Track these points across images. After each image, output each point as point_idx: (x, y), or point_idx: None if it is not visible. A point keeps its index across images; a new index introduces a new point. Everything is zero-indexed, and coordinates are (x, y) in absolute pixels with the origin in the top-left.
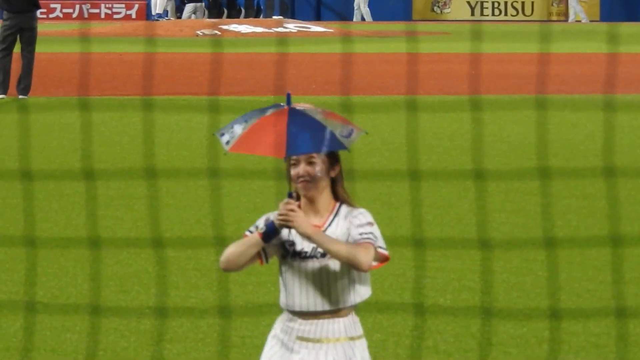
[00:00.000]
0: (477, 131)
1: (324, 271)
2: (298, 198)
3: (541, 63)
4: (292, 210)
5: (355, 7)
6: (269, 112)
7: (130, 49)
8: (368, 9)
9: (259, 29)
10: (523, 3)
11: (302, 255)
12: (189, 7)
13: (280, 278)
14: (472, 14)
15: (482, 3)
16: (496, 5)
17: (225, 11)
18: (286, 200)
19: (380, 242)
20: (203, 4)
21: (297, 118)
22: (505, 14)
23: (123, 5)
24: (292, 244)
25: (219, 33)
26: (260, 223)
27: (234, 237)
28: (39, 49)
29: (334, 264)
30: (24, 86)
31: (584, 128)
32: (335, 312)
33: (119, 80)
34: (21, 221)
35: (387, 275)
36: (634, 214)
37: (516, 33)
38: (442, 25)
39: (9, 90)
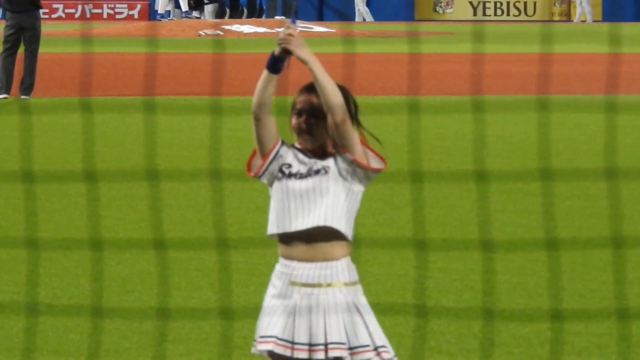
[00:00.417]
0: (479, 131)
1: (318, 190)
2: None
3: (543, 63)
4: (290, 34)
5: (356, 8)
6: None
7: (132, 49)
8: (367, 8)
9: (262, 29)
10: (525, 3)
11: (297, 177)
12: (210, 7)
13: (271, 208)
14: (475, 14)
15: (484, 3)
16: (498, 5)
17: (228, 11)
18: (287, 24)
19: (373, 153)
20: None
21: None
22: (508, 14)
23: (125, 6)
24: (289, 165)
25: (222, 33)
26: None
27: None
28: (42, 49)
29: (328, 183)
30: (27, 86)
31: (587, 128)
32: (325, 250)
33: (121, 80)
34: (23, 222)
35: (389, 276)
36: (636, 215)
37: (518, 33)
38: (445, 25)
39: (11, 91)
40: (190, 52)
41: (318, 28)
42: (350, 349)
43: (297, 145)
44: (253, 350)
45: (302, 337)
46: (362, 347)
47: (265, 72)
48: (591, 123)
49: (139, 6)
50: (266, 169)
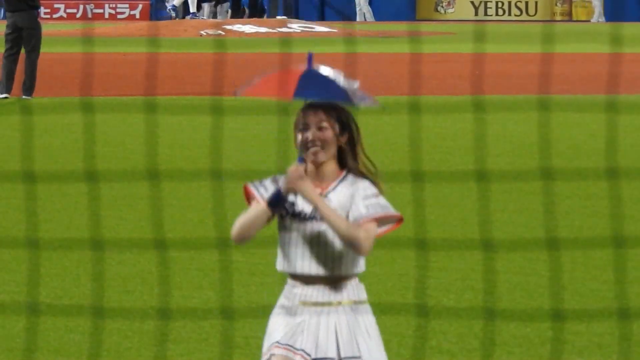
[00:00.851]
0: (480, 131)
1: (322, 235)
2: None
3: (544, 63)
4: (300, 176)
5: (357, 8)
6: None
7: (133, 49)
8: (369, 7)
9: (263, 29)
10: (527, 3)
11: (302, 217)
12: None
13: (279, 240)
14: (476, 14)
15: (485, 3)
16: (500, 5)
17: (230, 11)
18: (295, 165)
19: (390, 209)
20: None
21: (314, 70)
22: (509, 14)
23: (127, 6)
24: (293, 204)
25: (223, 33)
26: (267, 183)
27: None
28: (43, 49)
29: (330, 231)
30: (27, 87)
31: (587, 128)
32: (335, 278)
33: (123, 80)
34: (24, 222)
35: (390, 276)
36: (637, 214)
37: (520, 33)
38: (446, 25)
39: (14, 91)
40: (191, 52)
41: (319, 28)
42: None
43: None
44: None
45: (307, 347)
46: (352, 358)
47: (261, 206)
48: (592, 123)
49: (140, 6)
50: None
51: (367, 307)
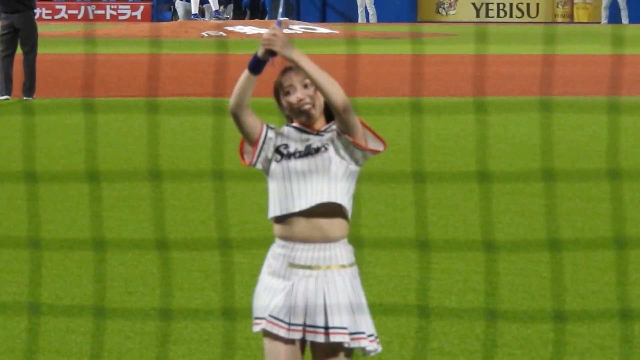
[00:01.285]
0: (482, 133)
1: (320, 168)
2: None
3: (546, 65)
4: (275, 34)
5: (360, 9)
6: None
7: (135, 50)
8: (374, 8)
9: (264, 31)
10: (528, 5)
11: (296, 156)
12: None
13: (270, 188)
14: (477, 16)
15: (487, 5)
16: (501, 6)
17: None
18: (272, 26)
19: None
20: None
21: None
22: (511, 16)
23: (128, 7)
24: (286, 146)
25: (224, 34)
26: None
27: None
28: (45, 50)
29: (326, 161)
30: (27, 88)
31: (589, 130)
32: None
33: (124, 81)
34: (26, 222)
35: (391, 277)
36: (638, 216)
37: (521, 35)
38: (447, 26)
39: (14, 92)
40: (193, 53)
41: (321, 29)
42: (350, 334)
43: (291, 124)
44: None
45: (298, 318)
46: (359, 333)
47: (246, 73)
48: (594, 124)
49: (142, 7)
50: (259, 155)
51: (355, 271)
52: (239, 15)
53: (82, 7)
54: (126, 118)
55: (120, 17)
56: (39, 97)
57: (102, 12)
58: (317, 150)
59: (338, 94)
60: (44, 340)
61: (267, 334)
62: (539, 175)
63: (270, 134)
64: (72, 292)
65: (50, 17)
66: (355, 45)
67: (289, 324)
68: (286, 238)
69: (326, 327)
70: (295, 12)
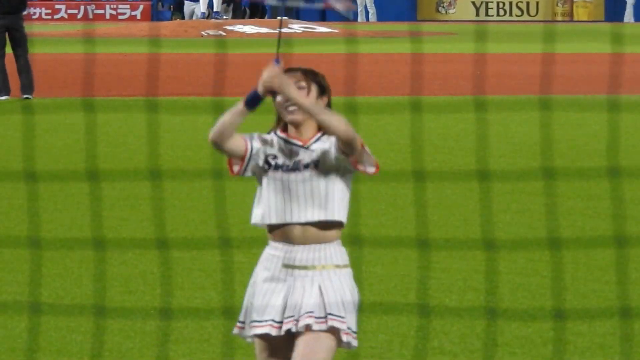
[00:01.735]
0: (482, 131)
1: (306, 184)
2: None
3: (546, 63)
4: (276, 74)
5: (359, 8)
6: None
7: (135, 49)
8: (374, 7)
9: (264, 30)
10: (528, 3)
11: (284, 169)
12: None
13: (257, 197)
14: (477, 15)
15: (487, 3)
16: (501, 5)
17: (230, 12)
18: (271, 65)
19: (367, 148)
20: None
21: None
22: (510, 14)
23: (128, 6)
24: (275, 157)
25: (224, 34)
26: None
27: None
28: (45, 49)
29: (316, 178)
30: (26, 86)
31: (589, 128)
32: (316, 235)
33: (124, 80)
34: (26, 222)
35: (392, 276)
36: (638, 214)
37: (521, 33)
38: (447, 25)
39: (13, 92)
40: (192, 52)
41: (321, 28)
42: (326, 315)
43: (279, 133)
44: (236, 331)
45: (290, 311)
46: (337, 316)
47: (240, 107)
48: (594, 123)
49: (141, 7)
50: (245, 169)
51: (349, 271)
52: (238, 14)
53: (82, 7)
54: (126, 117)
55: (120, 17)
56: (39, 96)
57: (101, 11)
58: (307, 166)
59: (342, 127)
60: (45, 340)
61: (267, 337)
62: (539, 174)
63: (256, 144)
64: (73, 291)
65: (49, 17)
66: (355, 44)
67: (281, 322)
68: (280, 241)
69: (326, 315)
70: (294, 11)
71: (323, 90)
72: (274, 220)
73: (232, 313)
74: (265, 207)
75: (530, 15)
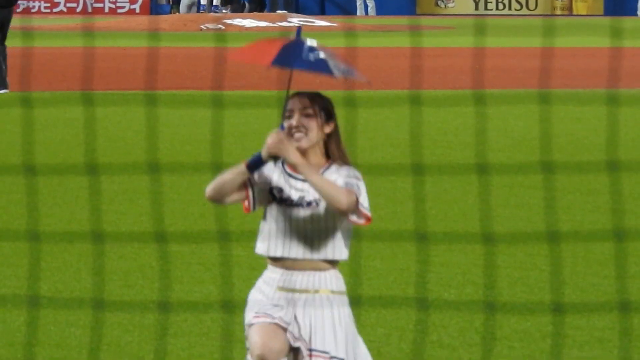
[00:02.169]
0: (481, 125)
1: (308, 220)
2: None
3: (545, 57)
4: (280, 140)
5: (359, 2)
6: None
7: (134, 43)
8: (374, 1)
9: (263, 23)
10: None
11: (288, 203)
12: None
13: (262, 224)
14: (476, 9)
15: None
16: None
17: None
18: (276, 130)
19: (363, 199)
20: None
21: (299, 41)
22: (509, 8)
23: (127, 0)
24: (280, 190)
25: (223, 27)
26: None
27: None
28: (43, 43)
29: (319, 215)
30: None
31: (588, 122)
32: (315, 264)
33: (123, 74)
34: (25, 216)
35: (390, 270)
36: (637, 209)
37: (520, 27)
38: (446, 19)
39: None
40: (191, 46)
41: (320, 22)
42: (330, 358)
43: (286, 167)
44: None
45: (285, 319)
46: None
47: (242, 167)
48: (593, 117)
49: (140, 0)
50: (254, 203)
51: (344, 299)
52: (237, 8)
53: (81, 0)
54: (125, 111)
55: (119, 10)
56: (38, 90)
57: (100, 5)
58: (309, 204)
59: (341, 199)
60: (43, 333)
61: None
62: (538, 168)
63: (258, 186)
64: (71, 285)
65: (48, 10)
66: (354, 38)
67: (278, 317)
68: (278, 266)
69: (310, 350)
70: (294, 5)
71: (329, 116)
72: (279, 254)
73: (231, 307)
74: (266, 237)
75: (529, 9)
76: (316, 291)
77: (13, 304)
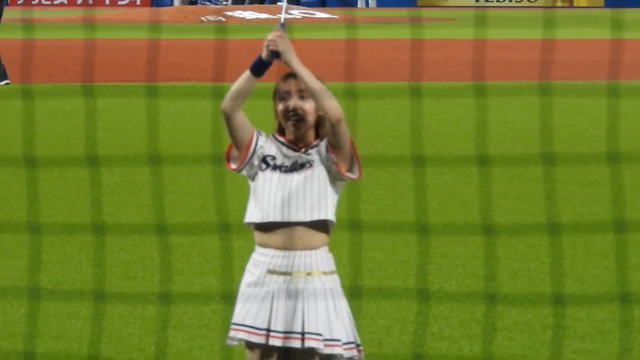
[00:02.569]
0: (481, 117)
1: (301, 183)
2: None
3: (545, 49)
4: (280, 36)
5: None
6: None
7: (134, 35)
8: None
9: (264, 16)
10: None
11: (282, 169)
12: None
13: (251, 197)
14: (477, 0)
15: None
16: None
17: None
18: (276, 28)
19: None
20: None
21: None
22: (510, 0)
23: None
24: (274, 158)
25: (224, 19)
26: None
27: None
28: (44, 35)
29: (312, 179)
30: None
31: (588, 114)
32: (308, 238)
33: (124, 66)
34: (25, 208)
35: (391, 262)
36: (638, 200)
37: (520, 19)
38: (447, 11)
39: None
40: (192, 38)
41: (320, 14)
42: (324, 340)
43: (278, 137)
44: (229, 341)
45: (278, 325)
46: (335, 340)
47: (247, 73)
48: (593, 109)
49: None
50: (247, 162)
51: (335, 278)
52: (238, 0)
53: None
54: (126, 103)
55: (120, 2)
56: (39, 82)
57: None
58: (303, 165)
59: (333, 106)
60: (44, 326)
61: (247, 343)
62: (538, 159)
63: (261, 141)
64: (72, 277)
65: (49, 2)
66: (355, 30)
67: (269, 330)
68: (266, 245)
69: (302, 333)
70: None
71: None
72: (271, 218)
73: (232, 298)
74: (264, 206)
75: (529, 1)
76: (308, 274)
77: (13, 296)
